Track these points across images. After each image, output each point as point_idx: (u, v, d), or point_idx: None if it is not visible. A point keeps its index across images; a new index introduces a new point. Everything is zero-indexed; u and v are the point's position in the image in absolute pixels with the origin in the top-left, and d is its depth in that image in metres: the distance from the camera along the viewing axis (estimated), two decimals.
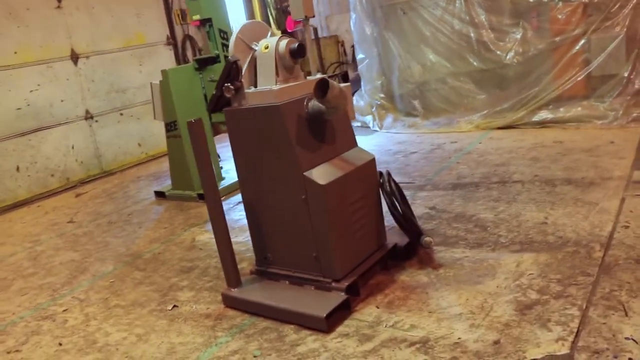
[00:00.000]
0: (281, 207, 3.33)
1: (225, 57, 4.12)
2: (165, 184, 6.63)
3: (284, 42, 3.26)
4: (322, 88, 3.02)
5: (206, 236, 4.87)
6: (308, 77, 3.48)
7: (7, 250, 5.47)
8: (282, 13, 9.97)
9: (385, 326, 2.96)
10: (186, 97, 5.87)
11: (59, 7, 7.44)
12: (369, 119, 8.03)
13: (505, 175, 5.01)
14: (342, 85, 3.54)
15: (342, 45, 9.92)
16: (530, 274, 3.23)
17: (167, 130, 6.05)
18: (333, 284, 3.23)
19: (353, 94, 8.64)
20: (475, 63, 6.93)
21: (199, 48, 8.59)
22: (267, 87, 3.25)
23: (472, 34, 6.85)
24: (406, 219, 3.52)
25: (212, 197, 3.33)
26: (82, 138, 7.78)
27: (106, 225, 5.72)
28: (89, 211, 6.37)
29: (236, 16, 10.39)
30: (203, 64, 5.95)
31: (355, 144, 3.57)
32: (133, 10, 8.22)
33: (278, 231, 3.44)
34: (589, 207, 4.05)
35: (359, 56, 8.20)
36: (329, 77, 4.21)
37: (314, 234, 3.23)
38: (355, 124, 8.29)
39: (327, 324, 2.99)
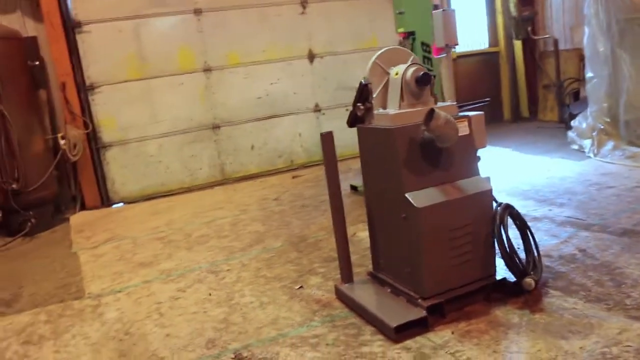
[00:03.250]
0: (389, 220, 3.65)
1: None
2: None
3: (411, 70, 3.52)
4: (427, 118, 3.23)
5: (365, 233, 5.31)
6: (438, 104, 3.67)
7: (222, 213, 6.74)
8: (523, 23, 9.72)
9: (446, 352, 3.09)
10: None
11: (303, 13, 8.57)
12: (587, 143, 7.45)
13: None
14: (473, 114, 3.66)
15: (583, 60, 9.20)
16: (627, 346, 2.95)
17: None
18: (419, 301, 3.44)
19: (576, 115, 8.09)
20: None
21: None
22: (390, 110, 3.57)
23: None
24: (510, 257, 3.50)
25: (334, 198, 3.82)
26: (309, 127, 8.87)
27: (299, 207, 6.59)
28: (295, 192, 7.34)
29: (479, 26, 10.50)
30: None
31: (475, 172, 3.65)
32: (368, 16, 8.94)
33: (386, 241, 3.76)
34: None
35: (588, 74, 7.62)
36: (484, 102, 4.28)
37: (410, 251, 3.47)
38: (572, 146, 7.79)
39: (395, 334, 3.24)
